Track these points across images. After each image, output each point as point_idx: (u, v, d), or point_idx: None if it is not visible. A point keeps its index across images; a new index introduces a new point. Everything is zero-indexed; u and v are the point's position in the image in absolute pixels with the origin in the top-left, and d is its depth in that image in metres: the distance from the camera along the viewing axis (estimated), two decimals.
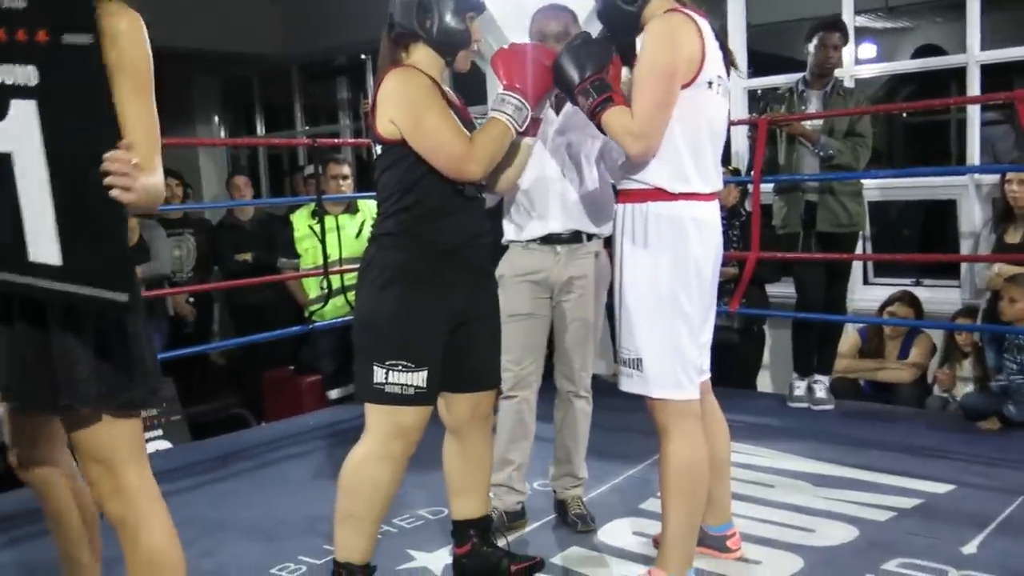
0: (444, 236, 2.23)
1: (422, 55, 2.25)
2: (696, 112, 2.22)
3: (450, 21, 2.20)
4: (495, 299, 2.43)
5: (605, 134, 2.31)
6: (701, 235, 2.26)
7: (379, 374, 2.18)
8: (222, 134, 9.08)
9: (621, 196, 2.35)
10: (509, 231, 2.86)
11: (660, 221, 2.24)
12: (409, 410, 2.21)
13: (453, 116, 2.20)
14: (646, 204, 2.26)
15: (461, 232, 2.26)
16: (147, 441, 4.23)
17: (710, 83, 2.23)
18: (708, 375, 2.51)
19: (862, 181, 4.26)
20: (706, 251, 2.28)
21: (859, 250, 4.69)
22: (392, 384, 2.18)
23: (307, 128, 8.35)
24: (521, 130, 2.24)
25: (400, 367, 2.18)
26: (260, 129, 8.83)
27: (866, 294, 5.07)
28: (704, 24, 2.24)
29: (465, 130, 2.20)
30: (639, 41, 2.24)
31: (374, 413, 2.23)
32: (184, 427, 4.53)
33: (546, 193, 2.77)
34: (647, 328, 2.28)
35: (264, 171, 8.80)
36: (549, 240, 2.79)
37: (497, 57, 2.28)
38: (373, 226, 2.31)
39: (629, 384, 2.33)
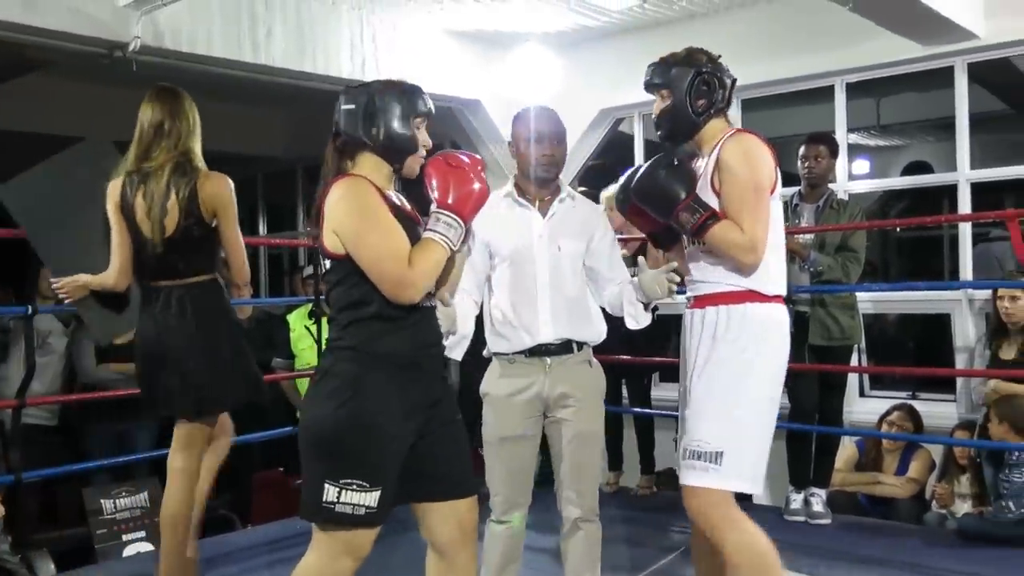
0: (401, 349, 2.16)
1: (368, 163, 2.21)
2: (774, 220, 2.44)
3: (397, 127, 2.18)
4: (453, 406, 2.31)
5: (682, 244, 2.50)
6: (784, 334, 2.44)
7: (330, 492, 2.07)
8: None
9: (706, 299, 2.45)
10: (493, 343, 2.74)
11: (758, 321, 2.39)
12: (362, 531, 2.12)
13: (395, 232, 2.13)
14: (744, 305, 2.39)
15: (418, 343, 2.19)
16: (128, 543, 4.21)
17: (779, 197, 2.47)
18: None
19: (856, 294, 4.29)
20: (786, 349, 2.45)
21: (854, 362, 4.69)
22: (343, 504, 2.07)
23: (309, 229, 8.46)
24: (457, 249, 2.19)
25: (354, 487, 2.07)
26: (262, 228, 8.95)
27: (863, 406, 5.05)
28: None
29: (407, 245, 2.13)
30: (710, 156, 2.42)
31: (323, 529, 2.13)
32: None
33: (534, 302, 2.68)
34: (733, 423, 2.33)
35: (264, 270, 8.88)
36: (537, 352, 2.68)
37: (430, 167, 2.21)
38: (329, 335, 2.23)
39: (702, 478, 2.34)
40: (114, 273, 3.00)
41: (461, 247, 2.26)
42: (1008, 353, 4.19)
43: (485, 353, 2.78)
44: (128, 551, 4.25)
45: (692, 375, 2.44)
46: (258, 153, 7.95)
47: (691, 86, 2.43)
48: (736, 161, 2.37)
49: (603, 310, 2.85)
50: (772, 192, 2.41)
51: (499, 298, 2.73)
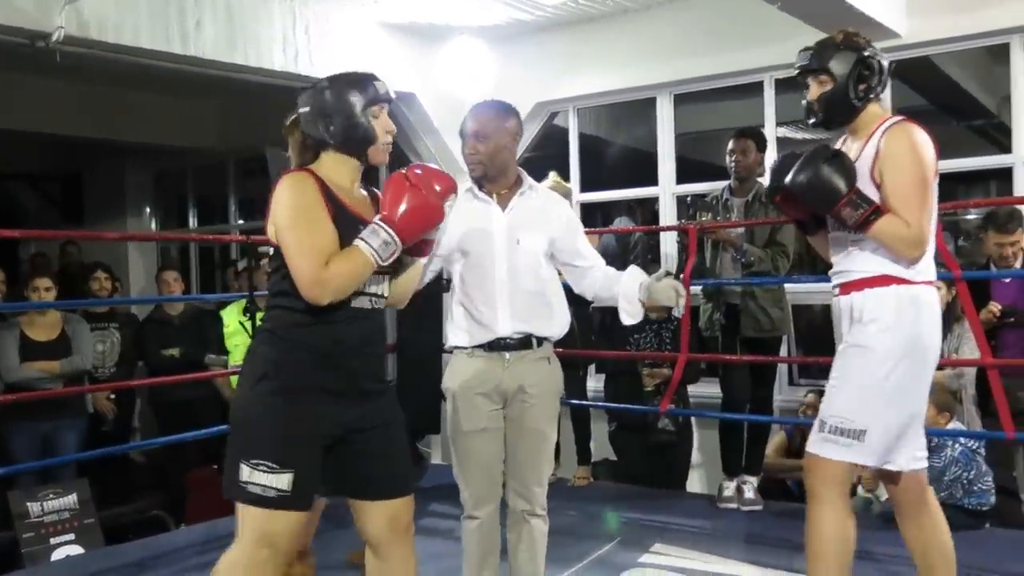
0: (321, 342, 2.17)
1: (329, 159, 2.24)
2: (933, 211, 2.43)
3: (350, 121, 2.18)
4: (392, 407, 2.33)
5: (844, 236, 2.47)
6: (937, 316, 2.46)
7: (244, 472, 2.11)
8: (153, 226, 8.99)
9: (852, 285, 2.47)
10: (453, 336, 2.75)
11: (906, 302, 2.40)
12: (275, 515, 2.11)
13: (320, 231, 2.13)
14: (891, 287, 2.41)
15: (342, 341, 2.19)
16: (56, 547, 4.11)
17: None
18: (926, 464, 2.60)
19: (784, 287, 4.40)
20: (939, 332, 2.48)
21: (783, 352, 4.81)
22: (254, 484, 2.10)
23: (241, 222, 8.33)
24: (385, 264, 2.16)
25: (263, 467, 2.10)
26: (192, 222, 8.78)
27: (791, 395, 5.19)
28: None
29: (331, 245, 2.13)
30: (869, 145, 2.42)
31: (243, 517, 2.14)
32: (98, 531, 4.34)
33: (493, 296, 2.66)
34: (880, 401, 2.38)
35: (195, 265, 8.71)
36: (496, 346, 2.67)
37: (391, 177, 2.21)
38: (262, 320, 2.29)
39: (843, 452, 2.39)
40: None
41: (419, 252, 2.28)
42: None
43: (446, 346, 2.81)
44: (57, 554, 4.15)
45: (836, 357, 2.50)
46: (188, 145, 7.79)
47: (854, 70, 2.41)
48: (902, 153, 2.36)
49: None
50: (933, 182, 2.41)
51: (459, 292, 2.71)
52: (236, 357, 4.88)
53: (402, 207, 2.16)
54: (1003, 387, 3.62)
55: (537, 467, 2.74)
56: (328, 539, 3.88)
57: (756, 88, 5.41)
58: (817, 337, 6.23)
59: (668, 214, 5.74)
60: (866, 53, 2.43)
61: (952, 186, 8.19)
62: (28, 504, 4.02)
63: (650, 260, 6.21)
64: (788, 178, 2.46)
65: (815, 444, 2.44)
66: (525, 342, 2.69)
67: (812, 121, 2.53)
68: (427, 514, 4.46)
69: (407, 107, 6.03)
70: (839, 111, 2.48)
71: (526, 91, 5.85)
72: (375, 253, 2.13)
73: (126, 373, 5.69)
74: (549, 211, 2.79)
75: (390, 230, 2.14)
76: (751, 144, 4.35)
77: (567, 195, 4.86)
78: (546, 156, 6.22)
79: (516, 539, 2.78)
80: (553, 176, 4.69)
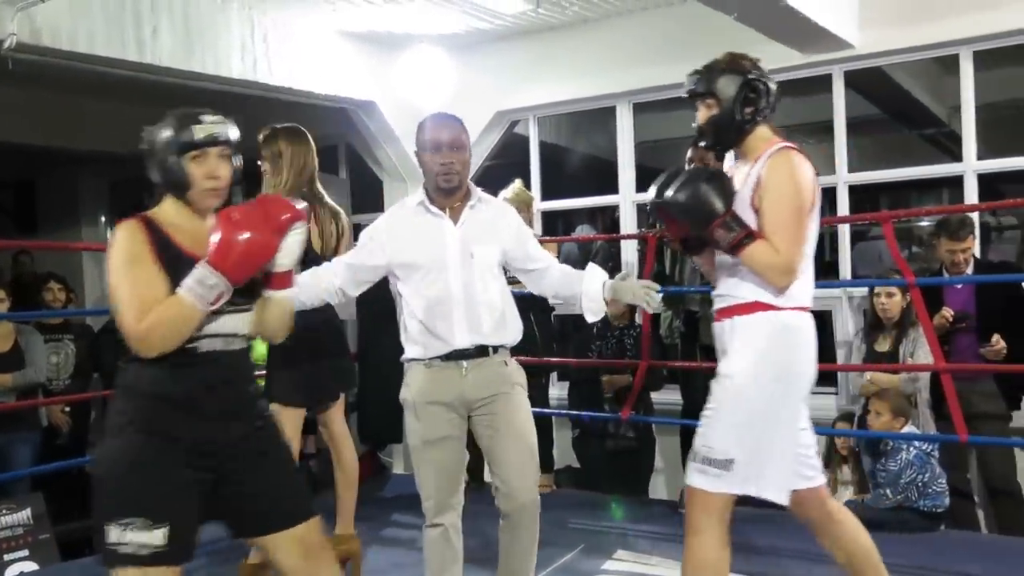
0: (171, 389, 2.10)
1: (168, 201, 2.20)
2: (807, 240, 2.40)
3: (166, 165, 2.13)
4: (271, 438, 2.29)
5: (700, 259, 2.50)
6: (809, 344, 2.42)
7: (114, 533, 2.01)
8: (108, 236, 8.84)
9: (725, 312, 2.45)
10: (409, 350, 2.73)
11: (774, 330, 2.37)
12: (153, 571, 2.03)
13: (140, 284, 2.07)
14: (756, 315, 2.39)
15: (198, 386, 2.13)
16: (10, 563, 4.02)
17: (815, 215, 2.43)
18: (821, 480, 2.59)
19: None
20: (811, 359, 2.43)
21: None
22: (127, 544, 2.00)
23: None
24: (213, 308, 2.09)
25: (135, 526, 2.01)
26: None
27: None
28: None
29: (151, 298, 2.06)
30: (751, 170, 2.40)
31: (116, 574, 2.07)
32: (53, 547, 4.26)
33: (449, 311, 2.65)
34: (756, 433, 2.34)
35: None
36: (453, 356, 2.66)
37: (218, 217, 2.13)
38: None
39: (713, 483, 2.35)
40: None
41: (280, 285, 2.23)
42: (883, 346, 4.42)
43: (402, 359, 2.76)
44: (10, 571, 4.08)
45: (713, 382, 2.46)
46: (141, 151, 7.66)
47: (740, 94, 2.39)
48: (779, 181, 2.35)
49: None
50: (811, 210, 2.39)
51: (414, 307, 2.69)
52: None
53: (227, 246, 2.08)
54: (956, 391, 3.70)
55: (521, 465, 2.70)
56: None
57: None
58: None
59: (628, 222, 5.78)
60: (751, 76, 2.42)
61: (905, 194, 8.38)
62: None
63: (611, 268, 6.24)
64: (667, 194, 2.45)
65: (689, 474, 2.43)
66: (481, 351, 2.68)
67: (703, 144, 2.55)
68: (389, 524, 4.45)
69: (367, 115, 6.02)
70: (726, 134, 2.47)
71: (486, 99, 5.88)
72: (196, 295, 2.06)
73: (81, 385, 5.59)
74: (499, 222, 2.79)
75: (214, 272, 2.06)
76: (709, 152, 4.39)
77: (529, 203, 4.89)
78: (507, 164, 6.23)
79: (509, 541, 2.75)
80: (517, 185, 4.71)
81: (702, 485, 2.39)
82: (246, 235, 2.09)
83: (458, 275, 2.66)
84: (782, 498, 2.40)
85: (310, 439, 5.58)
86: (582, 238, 6.22)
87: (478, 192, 2.79)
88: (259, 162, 3.45)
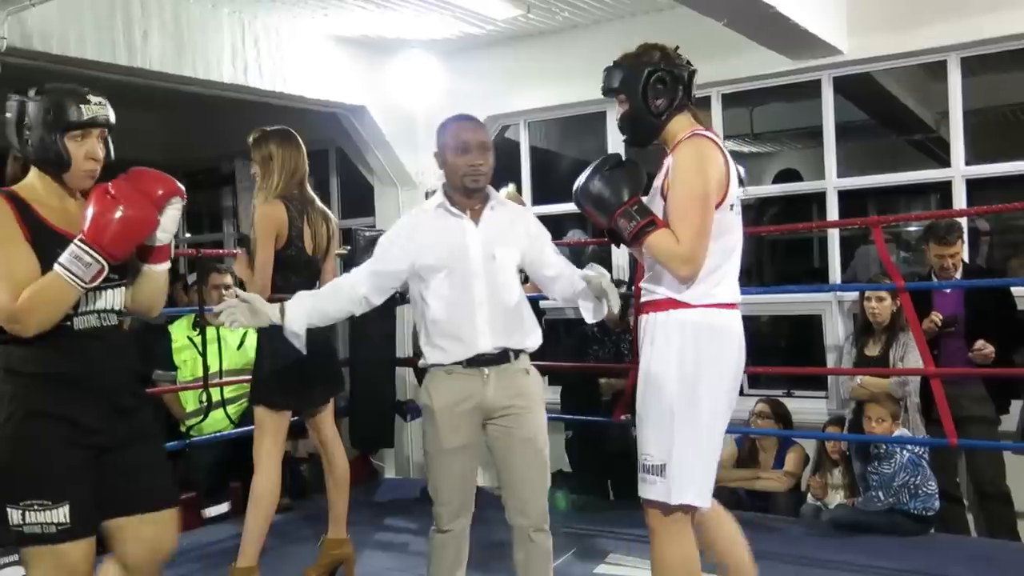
0: (56, 369, 2.11)
1: (36, 175, 2.15)
2: (720, 233, 2.31)
3: (43, 141, 2.08)
4: (150, 422, 2.32)
5: (624, 250, 2.38)
6: (722, 342, 2.34)
7: (14, 516, 2.03)
8: None
9: (644, 307, 2.41)
10: (429, 354, 2.68)
11: (684, 328, 2.31)
12: (62, 549, 2.05)
13: (13, 261, 2.04)
14: (667, 312, 2.33)
15: (76, 363, 2.13)
16: (1, 568, 3.98)
17: (732, 205, 2.35)
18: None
19: None
20: (728, 357, 2.35)
21: None
22: (30, 525, 2.03)
23: (189, 236, 8.21)
24: (89, 285, 2.06)
25: (36, 506, 2.03)
26: None
27: (741, 405, 5.23)
28: (724, 148, 2.35)
29: (22, 275, 2.04)
30: (666, 161, 2.35)
31: (31, 564, 2.09)
32: None
33: (472, 313, 2.62)
34: (671, 435, 2.30)
35: None
36: (475, 362, 2.62)
37: (93, 192, 2.10)
38: None
39: (651, 491, 2.34)
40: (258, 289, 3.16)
41: (157, 259, 2.25)
42: (873, 350, 4.44)
43: (421, 364, 2.73)
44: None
45: (640, 382, 2.42)
46: (133, 157, 7.61)
47: (646, 87, 2.34)
48: (684, 168, 2.28)
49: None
50: (720, 203, 2.30)
51: (435, 310, 2.64)
52: (184, 373, 4.79)
53: (105, 222, 2.04)
54: (945, 395, 3.72)
55: (534, 481, 2.68)
56: (281, 554, 3.84)
57: (703, 102, 5.49)
58: (762, 347, 6.34)
59: None
60: (660, 67, 2.36)
61: (893, 199, 8.42)
62: None
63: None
64: (577, 185, 2.43)
65: (639, 486, 2.41)
66: (503, 356, 2.65)
67: (624, 139, 2.52)
68: (382, 528, 4.44)
69: (358, 120, 6.02)
70: (641, 129, 2.43)
71: (477, 104, 5.84)
72: (74, 277, 2.03)
73: None
74: (517, 224, 2.77)
75: (90, 249, 2.04)
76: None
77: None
78: (497, 169, 6.23)
79: (524, 557, 2.72)
80: (510, 188, 4.71)
81: (644, 494, 2.37)
82: (123, 210, 2.06)
83: (481, 277, 2.63)
84: (704, 501, 2.35)
85: (301, 443, 5.57)
86: (573, 243, 6.20)
87: (495, 194, 2.77)
88: (250, 164, 3.45)
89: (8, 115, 2.13)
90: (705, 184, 2.27)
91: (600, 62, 2.52)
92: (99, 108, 2.14)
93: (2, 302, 2.02)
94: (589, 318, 2.74)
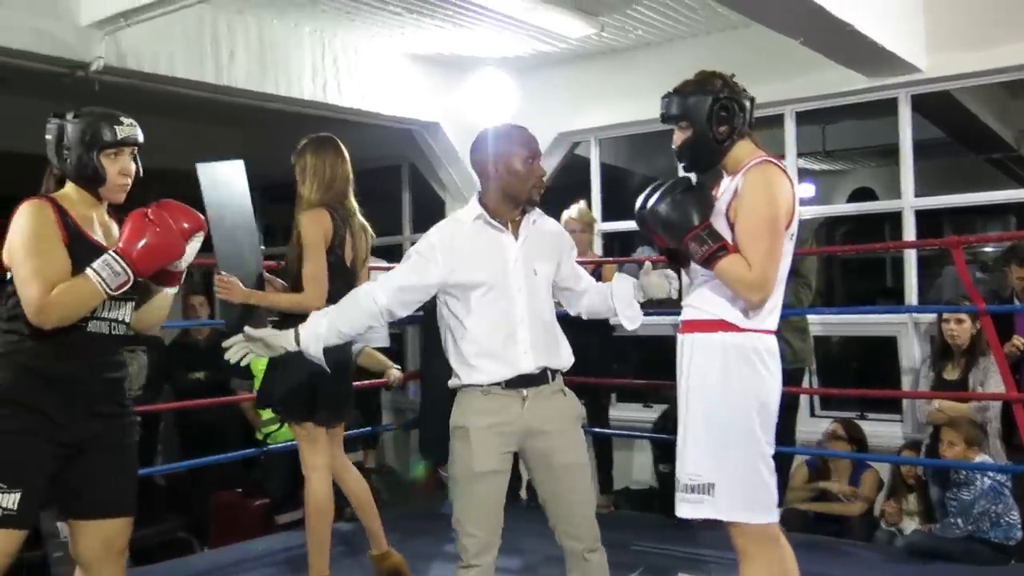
0: (52, 365, 2.27)
1: (72, 189, 2.36)
2: (784, 255, 2.36)
3: (80, 159, 2.29)
4: (129, 431, 2.44)
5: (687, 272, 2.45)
6: (769, 366, 2.37)
7: None
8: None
9: (688, 325, 2.43)
10: (465, 374, 2.52)
11: (731, 351, 2.34)
12: (3, 532, 2.21)
13: (49, 258, 2.22)
14: (717, 334, 2.36)
15: (74, 364, 2.30)
16: None
17: (792, 234, 2.39)
18: None
19: (808, 317, 4.42)
20: (774, 383, 2.38)
21: (805, 384, 4.82)
22: None
23: (266, 248, 8.40)
24: (114, 294, 2.25)
25: None
26: None
27: (814, 426, 5.18)
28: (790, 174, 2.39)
29: (60, 273, 2.22)
30: (731, 183, 2.38)
31: None
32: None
33: (513, 330, 2.50)
34: (721, 455, 2.32)
35: None
36: (515, 383, 2.50)
37: (131, 214, 2.31)
38: None
39: (698, 510, 2.36)
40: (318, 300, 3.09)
41: (168, 282, 2.45)
42: (952, 374, 4.35)
43: (452, 384, 2.58)
44: None
45: (682, 403, 2.44)
46: None
47: (710, 114, 2.36)
48: (754, 194, 2.31)
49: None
50: (788, 227, 2.35)
51: (473, 327, 2.51)
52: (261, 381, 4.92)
53: (139, 241, 2.25)
54: None
55: (582, 501, 2.60)
56: (353, 564, 3.90)
57: (776, 120, 5.46)
58: (833, 368, 6.24)
59: None
60: (722, 95, 2.38)
61: (970, 219, 8.23)
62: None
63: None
64: (648, 205, 2.43)
65: (676, 504, 2.42)
66: (542, 376, 2.54)
67: (683, 165, 2.52)
68: (448, 541, 4.47)
69: (431, 136, 6.13)
70: (703, 155, 2.44)
71: (548, 121, 5.93)
72: (103, 282, 2.22)
73: (152, 395, 5.74)
74: (555, 239, 2.71)
75: (123, 261, 2.24)
76: None
77: (592, 224, 4.91)
78: (564, 186, 6.28)
79: None
80: (582, 205, 4.74)
81: (688, 513, 2.38)
82: (157, 234, 2.28)
83: (522, 293, 2.52)
84: (765, 517, 2.37)
85: (370, 454, 5.67)
86: (643, 259, 6.21)
87: (534, 208, 2.66)
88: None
89: (48, 136, 2.33)
90: (776, 211, 2.31)
91: (672, 80, 2.52)
92: (130, 129, 2.36)
93: (34, 295, 2.18)
94: (628, 325, 2.70)
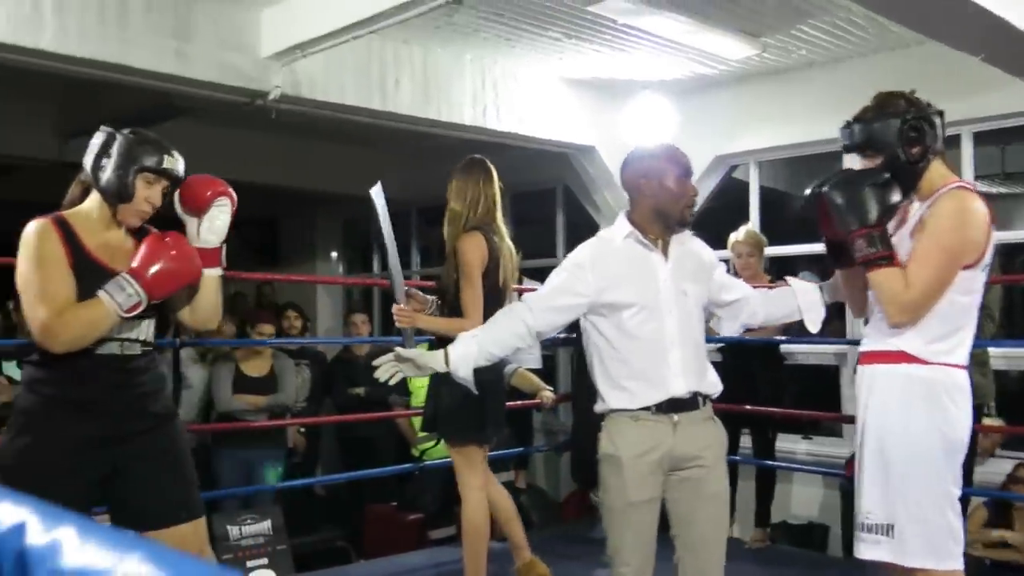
0: (71, 391, 2.24)
1: (94, 200, 2.34)
2: (966, 292, 2.25)
3: (116, 174, 2.27)
4: (171, 438, 2.41)
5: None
6: (957, 401, 2.25)
7: None
8: (340, 270, 9.50)
9: (868, 356, 2.35)
10: (614, 399, 2.47)
11: (916, 385, 2.24)
12: None
13: (56, 280, 2.19)
14: (901, 366, 2.26)
15: (92, 389, 2.27)
16: (252, 570, 4.35)
17: (986, 267, 2.27)
18: None
19: (989, 351, 4.16)
20: (964, 417, 2.26)
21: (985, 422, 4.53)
22: None
23: (421, 268, 8.66)
24: (125, 315, 2.22)
25: None
26: (376, 267, 9.21)
27: (992, 467, 4.85)
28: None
29: (66, 295, 2.20)
30: (921, 208, 2.29)
31: None
32: (289, 558, 4.56)
33: (664, 352, 2.43)
34: (902, 493, 2.23)
35: (378, 308, 9.11)
36: (665, 408, 2.43)
37: (147, 237, 2.31)
38: None
39: (875, 551, 2.26)
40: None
41: (205, 263, 2.40)
42: None
43: (598, 408, 2.53)
44: None
45: (862, 439, 2.34)
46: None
47: (901, 137, 2.25)
48: (941, 219, 2.20)
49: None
50: (975, 264, 2.22)
51: (621, 349, 2.45)
52: (419, 398, 5.06)
53: (154, 265, 2.24)
54: None
55: (718, 541, 2.51)
56: None
57: (952, 141, 5.18)
58: (1016, 404, 5.81)
59: None
60: (910, 115, 2.25)
61: None
62: (228, 527, 4.27)
63: (837, 314, 6.00)
64: (827, 185, 2.31)
65: (855, 544, 2.31)
66: (693, 402, 2.46)
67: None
68: (597, 565, 4.45)
69: (587, 160, 6.15)
70: (901, 180, 2.28)
71: (706, 144, 5.85)
72: (115, 304, 2.20)
73: (314, 409, 5.99)
74: (702, 256, 2.63)
75: (136, 284, 2.21)
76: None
77: (762, 246, 4.79)
78: (726, 208, 6.16)
79: None
80: (750, 227, 4.65)
81: (865, 553, 2.26)
82: (171, 259, 2.27)
83: (673, 314, 2.45)
84: (943, 563, 2.20)
85: (521, 474, 5.72)
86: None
87: (685, 228, 2.60)
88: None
89: (93, 142, 2.36)
90: (959, 242, 2.19)
91: (838, 101, 2.44)
92: (174, 162, 2.37)
93: (42, 316, 2.17)
94: (812, 328, 2.61)
